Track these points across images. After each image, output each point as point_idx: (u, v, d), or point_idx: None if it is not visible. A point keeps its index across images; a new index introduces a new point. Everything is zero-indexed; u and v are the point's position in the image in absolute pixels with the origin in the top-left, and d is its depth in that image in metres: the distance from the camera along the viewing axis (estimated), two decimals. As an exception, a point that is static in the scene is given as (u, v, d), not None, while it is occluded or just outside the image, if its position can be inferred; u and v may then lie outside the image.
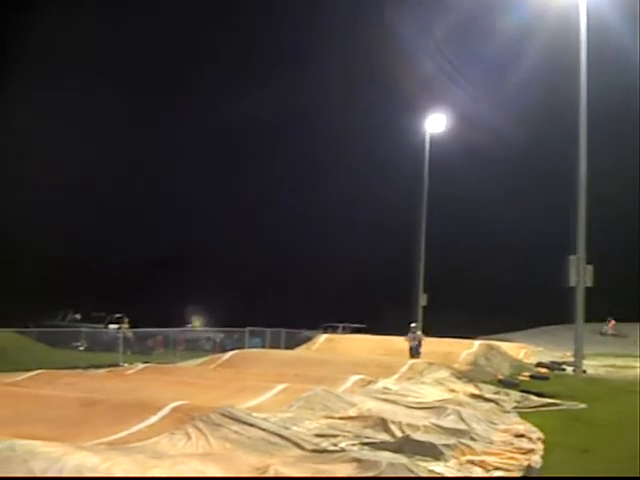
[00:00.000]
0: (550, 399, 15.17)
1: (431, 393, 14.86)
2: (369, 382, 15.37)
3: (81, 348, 26.60)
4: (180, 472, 6.05)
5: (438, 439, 8.97)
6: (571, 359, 24.31)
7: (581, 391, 17.06)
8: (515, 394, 15.78)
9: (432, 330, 28.32)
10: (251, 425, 8.81)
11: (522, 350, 31.92)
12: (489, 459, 8.46)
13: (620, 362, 27.88)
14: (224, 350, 26.18)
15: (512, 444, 9.64)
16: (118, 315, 34.18)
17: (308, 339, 30.61)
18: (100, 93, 50.38)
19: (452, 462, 8.22)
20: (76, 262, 52.20)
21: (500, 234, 50.33)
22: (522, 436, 10.30)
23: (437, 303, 35.86)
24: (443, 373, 18.20)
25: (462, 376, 18.51)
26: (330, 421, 10.47)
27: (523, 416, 12.76)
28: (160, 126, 58.79)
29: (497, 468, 8.12)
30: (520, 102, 42.92)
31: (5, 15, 45.26)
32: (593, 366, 25.38)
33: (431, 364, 19.21)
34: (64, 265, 50.64)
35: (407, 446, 8.54)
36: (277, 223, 59.09)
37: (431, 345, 24.43)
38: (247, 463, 6.96)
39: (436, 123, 37.92)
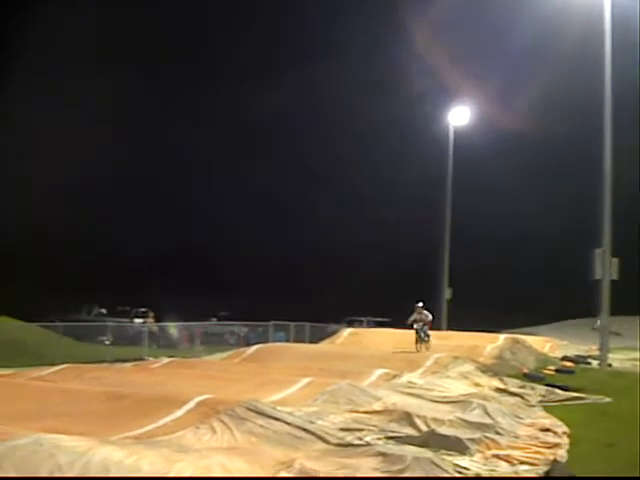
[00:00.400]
0: (575, 393, 15.04)
1: (456, 387, 14.80)
2: (394, 376, 15.31)
3: (107, 342, 26.75)
4: (205, 466, 6.07)
5: (463, 433, 8.96)
6: (597, 353, 24.16)
7: (606, 385, 16.90)
8: (540, 388, 15.68)
9: (457, 324, 28.19)
10: (276, 419, 8.84)
11: (547, 344, 31.74)
12: (515, 453, 8.43)
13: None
14: (248, 344, 26.19)
15: (537, 438, 9.59)
16: (143, 309, 34.39)
17: (332, 333, 30.55)
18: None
19: (477, 456, 8.21)
20: (96, 257, 52.81)
21: (524, 228, 50.17)
22: (547, 430, 10.23)
23: (462, 297, 35.80)
24: (468, 367, 18.09)
25: (487, 370, 18.41)
26: (355, 415, 10.47)
27: (548, 410, 12.67)
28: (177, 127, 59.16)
29: (523, 462, 8.08)
30: (544, 96, 42.64)
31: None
32: (619, 359, 25.18)
33: (456, 358, 19.09)
34: (88, 261, 51.23)
35: (432, 440, 8.54)
36: (305, 218, 58.94)
37: (456, 339, 24.31)
38: (272, 457, 6.97)
39: (460, 116, 37.84)
